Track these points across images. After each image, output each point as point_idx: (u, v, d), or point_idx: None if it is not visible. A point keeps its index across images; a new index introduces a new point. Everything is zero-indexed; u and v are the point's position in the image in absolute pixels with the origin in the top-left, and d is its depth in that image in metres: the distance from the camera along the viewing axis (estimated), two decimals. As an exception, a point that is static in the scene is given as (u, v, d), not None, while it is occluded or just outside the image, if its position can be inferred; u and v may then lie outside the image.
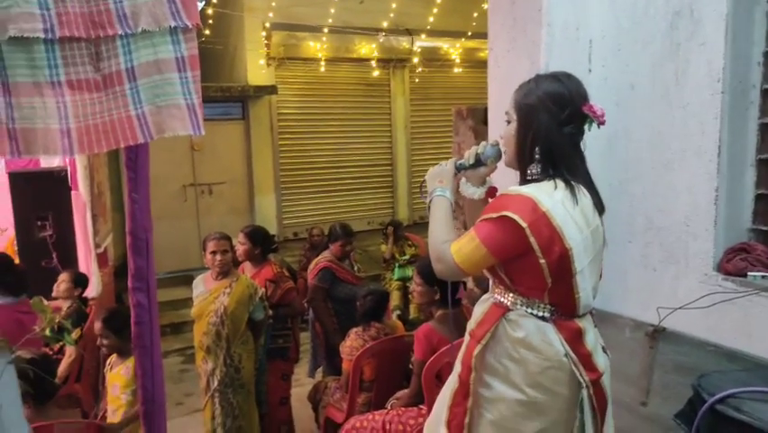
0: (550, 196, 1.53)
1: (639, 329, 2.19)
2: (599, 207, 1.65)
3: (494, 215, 1.55)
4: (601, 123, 1.61)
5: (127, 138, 1.56)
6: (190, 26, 1.60)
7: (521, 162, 1.66)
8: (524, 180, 1.66)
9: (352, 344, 3.41)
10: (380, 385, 3.32)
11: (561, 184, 1.56)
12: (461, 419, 1.68)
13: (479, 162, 1.75)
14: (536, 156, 1.60)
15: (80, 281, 3.96)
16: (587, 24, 2.31)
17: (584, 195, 1.59)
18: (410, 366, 3.06)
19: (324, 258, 4.24)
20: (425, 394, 2.76)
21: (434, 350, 2.87)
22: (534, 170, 1.62)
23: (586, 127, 1.62)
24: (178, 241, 7.09)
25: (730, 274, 1.94)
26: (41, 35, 1.48)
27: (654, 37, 2.10)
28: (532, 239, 1.49)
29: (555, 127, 1.58)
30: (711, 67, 1.93)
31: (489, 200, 1.76)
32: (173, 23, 1.57)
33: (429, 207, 1.75)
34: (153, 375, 2.11)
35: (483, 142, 1.77)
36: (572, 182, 1.57)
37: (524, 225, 1.49)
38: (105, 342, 3.02)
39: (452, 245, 1.58)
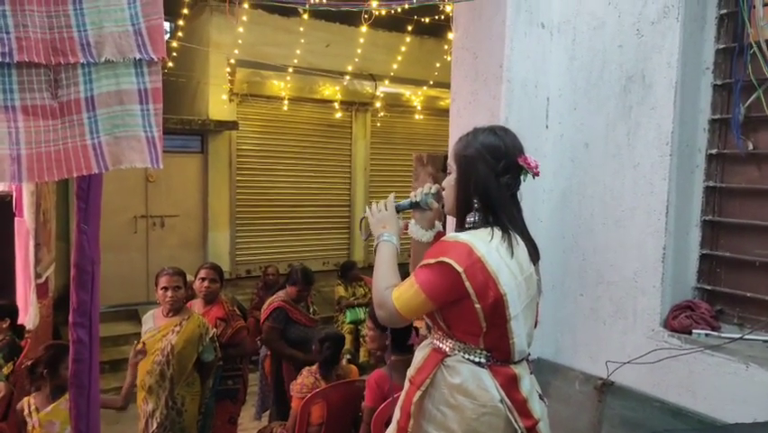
0: (485, 243, 1.58)
1: (588, 382, 2.21)
2: (535, 255, 1.70)
3: (432, 260, 1.58)
4: (535, 174, 1.67)
5: (81, 167, 1.51)
6: (156, 59, 1.59)
7: (460, 210, 1.72)
8: (461, 228, 1.71)
9: (304, 381, 3.33)
10: (328, 431, 3.23)
11: (497, 232, 1.61)
12: None
13: (416, 205, 1.79)
14: (475, 205, 1.66)
15: (7, 312, 3.70)
16: (545, 83, 2.40)
17: (518, 243, 1.64)
18: (360, 413, 3.00)
19: (278, 297, 4.16)
20: (374, 444, 2.70)
21: (386, 397, 2.82)
22: (472, 219, 1.67)
23: (522, 178, 1.69)
24: (124, 273, 6.86)
25: (676, 331, 1.99)
26: (-1, 58, 1.44)
27: (608, 99, 2.20)
28: (467, 283, 1.52)
29: (493, 178, 1.64)
30: (661, 130, 2.02)
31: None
32: (138, 56, 1.55)
33: (375, 252, 1.77)
34: (89, 416, 1.99)
35: (421, 188, 1.82)
36: (510, 230, 1.63)
37: (460, 269, 1.52)
38: (38, 381, 2.83)
39: (394, 291, 1.60)
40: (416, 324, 3.97)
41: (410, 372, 1.73)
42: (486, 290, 1.54)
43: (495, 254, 1.56)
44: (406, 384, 1.72)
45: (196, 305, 3.61)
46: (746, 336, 1.88)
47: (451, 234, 1.66)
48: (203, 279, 3.60)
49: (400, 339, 2.90)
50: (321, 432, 3.26)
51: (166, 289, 3.16)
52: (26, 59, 1.46)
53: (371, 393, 2.85)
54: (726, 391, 1.80)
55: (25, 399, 2.89)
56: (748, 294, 1.95)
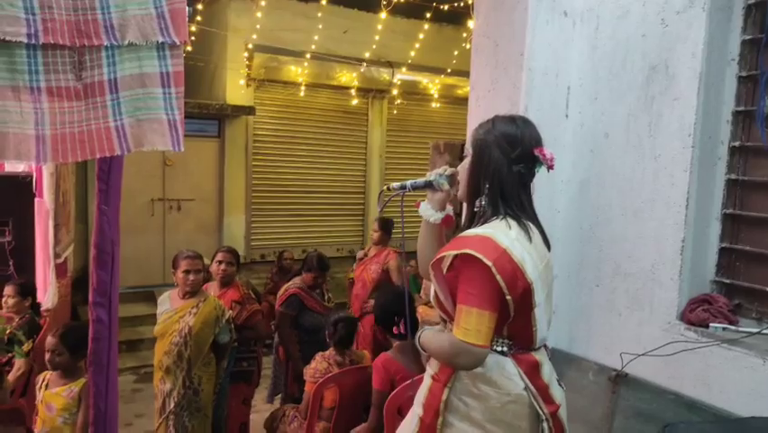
0: (506, 234, 1.58)
1: (602, 373, 2.21)
2: (547, 244, 1.71)
3: (456, 252, 1.58)
4: (550, 167, 1.68)
5: (104, 149, 1.54)
6: (178, 43, 1.60)
7: (470, 195, 1.73)
8: (470, 213, 1.74)
9: (317, 366, 3.36)
10: (340, 415, 3.26)
11: (513, 223, 1.62)
12: None
13: (430, 184, 1.79)
14: (485, 190, 1.66)
15: (27, 291, 3.76)
16: (566, 72, 2.38)
17: (534, 232, 1.65)
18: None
19: (293, 284, 4.20)
20: (387, 428, 2.73)
21: (392, 380, 2.87)
22: (481, 203, 1.68)
23: (536, 169, 1.69)
24: (141, 256, 6.94)
25: (692, 324, 1.98)
26: (24, 40, 1.46)
27: (630, 89, 2.17)
28: (498, 277, 1.52)
29: (506, 165, 1.65)
30: (683, 121, 2.00)
31: (445, 229, 1.84)
32: (161, 39, 1.57)
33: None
34: (107, 395, 2.04)
35: (437, 169, 1.82)
36: (523, 220, 1.64)
37: (489, 263, 1.52)
38: (56, 359, 2.88)
39: (456, 333, 1.54)
40: (423, 309, 3.99)
41: (432, 368, 1.73)
42: (515, 281, 1.54)
43: (517, 245, 1.57)
44: (429, 380, 1.73)
45: (212, 288, 3.65)
46: (765, 331, 1.86)
47: (469, 231, 1.66)
48: (219, 262, 3.64)
49: (388, 326, 2.97)
50: (333, 415, 3.30)
51: (188, 272, 3.19)
52: (51, 41, 1.48)
53: (378, 376, 2.90)
54: (742, 385, 1.79)
55: (44, 373, 2.95)
56: (767, 288, 1.93)
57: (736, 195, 2.03)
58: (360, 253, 5.49)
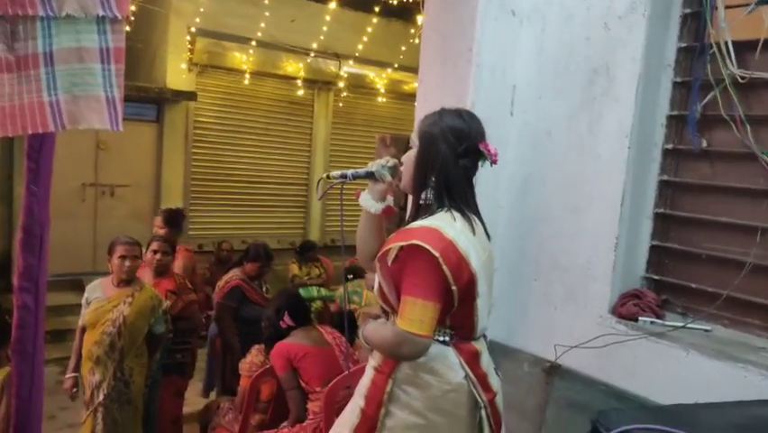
0: (451, 226, 1.61)
1: (537, 365, 2.28)
2: (488, 236, 1.76)
3: (402, 243, 1.60)
4: (494, 162, 1.72)
5: (36, 125, 1.45)
6: (120, 17, 1.53)
7: (416, 187, 1.75)
8: (416, 205, 1.75)
9: (253, 360, 3.32)
10: (276, 407, 3.23)
11: (457, 215, 1.65)
12: None
13: (371, 175, 1.79)
14: (431, 183, 1.69)
15: None
16: (513, 70, 2.43)
17: (477, 224, 1.70)
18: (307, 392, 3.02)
19: (235, 276, 4.12)
20: (324, 423, 2.73)
21: (290, 360, 3.00)
22: (426, 196, 1.71)
23: (480, 164, 1.74)
24: (70, 243, 6.62)
25: (623, 318, 2.07)
26: (-51, 4, 1.36)
27: (573, 89, 2.24)
28: (444, 267, 1.54)
29: (452, 158, 1.67)
30: (622, 123, 2.07)
31: (385, 220, 1.85)
32: (101, 12, 1.50)
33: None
34: (32, 385, 1.94)
35: (379, 160, 1.82)
36: (467, 213, 1.67)
37: (436, 254, 1.54)
38: None
39: (400, 323, 1.55)
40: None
41: (375, 360, 1.74)
42: (460, 271, 1.57)
43: (462, 237, 1.60)
44: (371, 372, 1.73)
45: (146, 276, 3.52)
46: (689, 325, 1.96)
47: (415, 223, 1.68)
48: (155, 251, 3.53)
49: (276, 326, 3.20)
50: (269, 409, 3.26)
51: (124, 258, 3.08)
52: (-20, 7, 1.39)
53: (278, 363, 3.02)
54: (667, 376, 1.88)
55: None
56: (693, 285, 2.04)
57: (668, 195, 2.14)
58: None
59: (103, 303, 3.06)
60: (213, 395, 4.26)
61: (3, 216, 6.01)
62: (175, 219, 4.10)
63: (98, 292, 3.14)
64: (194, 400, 4.46)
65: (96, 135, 6.82)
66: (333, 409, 2.63)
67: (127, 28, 5.61)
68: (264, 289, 4.42)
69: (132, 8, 6.62)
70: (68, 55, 1.48)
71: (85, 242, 6.87)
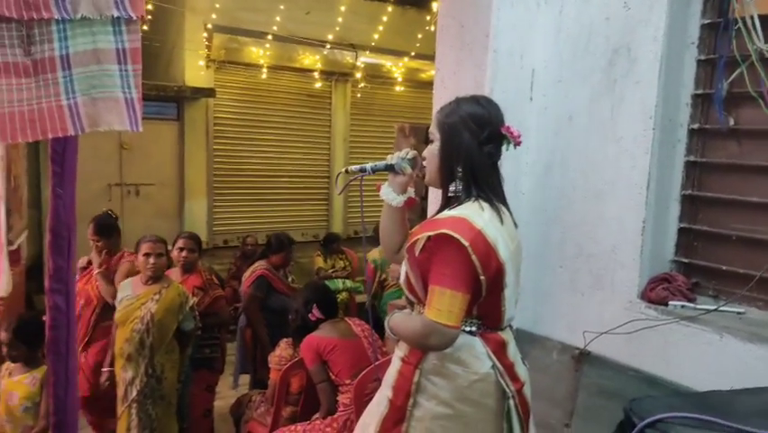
0: (480, 216, 1.59)
1: (566, 352, 2.25)
2: (515, 225, 1.73)
3: (430, 233, 1.58)
4: (517, 143, 1.69)
5: (56, 129, 1.47)
6: (134, 18, 1.53)
7: (443, 179, 1.72)
8: (445, 197, 1.73)
9: (282, 353, 3.34)
10: (307, 399, 3.26)
11: (485, 205, 1.63)
12: None
13: (391, 167, 1.78)
14: (458, 174, 1.66)
15: None
16: (531, 54, 2.39)
17: (505, 213, 1.67)
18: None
19: (260, 266, 4.17)
20: (355, 414, 2.74)
21: (320, 353, 2.99)
22: (455, 188, 1.68)
23: (504, 148, 1.70)
24: (98, 242, 6.74)
25: (653, 302, 2.03)
26: (-33, 12, 1.37)
27: (593, 72, 2.19)
28: (474, 257, 1.53)
29: (476, 146, 1.65)
30: (644, 104, 2.03)
31: (407, 212, 1.84)
32: (116, 13, 1.50)
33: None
34: (67, 384, 1.98)
35: (398, 152, 1.80)
36: (494, 202, 1.65)
37: (466, 243, 1.52)
38: (14, 352, 2.81)
39: (428, 313, 1.54)
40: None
41: (402, 351, 1.73)
42: (489, 261, 1.55)
43: (491, 226, 1.58)
44: (398, 363, 1.72)
45: (174, 274, 3.57)
46: (721, 308, 1.92)
47: (442, 213, 1.66)
48: (181, 248, 3.57)
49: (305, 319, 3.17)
50: (300, 401, 3.29)
51: (148, 255, 3.12)
52: (-3, 14, 1.40)
53: (307, 357, 3.02)
54: (700, 361, 1.85)
55: (6, 362, 2.89)
56: (724, 267, 1.99)
57: (695, 176, 2.08)
58: (82, 261, 3.76)
59: (132, 301, 3.11)
60: (244, 388, 4.31)
61: (33, 220, 6.12)
62: (106, 227, 3.66)
63: (128, 290, 3.19)
64: (225, 393, 4.53)
65: (120, 136, 6.90)
66: (363, 400, 2.64)
67: (144, 27, 5.65)
68: (290, 279, 4.46)
69: (149, 7, 6.67)
70: (85, 57, 1.49)
71: (113, 241, 6.98)
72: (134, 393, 3.04)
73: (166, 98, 7.15)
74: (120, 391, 3.12)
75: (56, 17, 1.44)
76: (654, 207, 2.05)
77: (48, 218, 1.87)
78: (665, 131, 2.04)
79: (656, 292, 2.02)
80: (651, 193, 2.04)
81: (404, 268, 1.76)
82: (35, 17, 1.43)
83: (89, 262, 3.69)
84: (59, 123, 1.47)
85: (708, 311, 1.92)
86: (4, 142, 1.47)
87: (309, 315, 3.16)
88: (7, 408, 2.79)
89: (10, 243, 4.60)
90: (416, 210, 2.86)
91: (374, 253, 5.24)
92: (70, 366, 1.95)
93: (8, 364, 2.89)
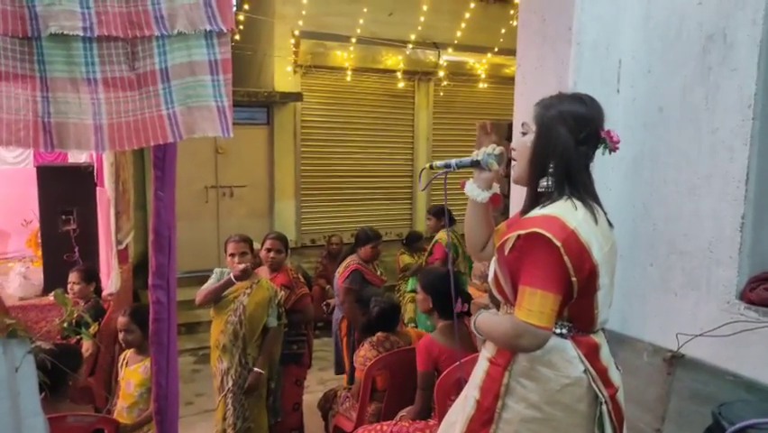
0: (573, 215, 1.54)
1: (657, 354, 2.16)
2: (610, 225, 1.67)
3: (521, 232, 1.54)
4: (614, 149, 1.64)
5: (157, 137, 1.59)
6: (225, 31, 1.63)
7: (532, 174, 1.66)
8: (533, 194, 1.67)
9: (366, 354, 3.40)
10: (391, 396, 3.31)
11: (578, 203, 1.57)
12: None
13: (477, 163, 1.76)
14: (550, 170, 1.61)
15: (90, 276, 3.96)
16: (617, 44, 2.31)
17: (600, 213, 1.61)
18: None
19: (353, 261, 4.29)
20: (437, 410, 2.76)
21: (435, 361, 2.92)
22: (545, 184, 1.62)
23: (601, 151, 1.65)
24: (197, 241, 7.16)
25: (753, 303, 1.90)
26: (80, 33, 1.51)
27: (686, 60, 2.09)
28: (566, 258, 1.49)
29: (573, 144, 1.60)
30: (742, 92, 1.91)
31: (492, 208, 1.82)
32: (208, 27, 1.60)
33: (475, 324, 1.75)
34: (168, 373, 2.12)
35: (484, 148, 1.78)
36: (588, 201, 1.59)
37: (558, 243, 1.48)
38: (128, 337, 3.06)
39: (518, 314, 1.51)
40: (471, 290, 3.98)
41: (489, 352, 1.71)
42: (582, 263, 1.51)
43: (585, 226, 1.53)
44: (485, 364, 1.70)
45: (262, 272, 3.74)
46: (832, 310, 1.78)
47: (533, 211, 1.62)
48: (268, 249, 3.74)
49: (444, 305, 2.94)
50: (384, 397, 3.35)
51: (233, 255, 3.29)
52: (105, 33, 1.53)
53: (421, 358, 2.95)
54: (806, 367, 1.72)
55: (124, 352, 3.15)
56: (835, 266, 1.84)
57: (800, 168, 1.94)
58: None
59: (226, 294, 3.28)
60: (330, 382, 4.44)
61: (140, 221, 6.60)
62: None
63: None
64: (314, 387, 4.69)
65: (215, 141, 7.30)
66: (446, 400, 2.65)
67: (237, 37, 5.93)
68: (379, 272, 4.56)
69: (240, 17, 7.00)
70: (182, 70, 1.61)
71: (210, 240, 7.39)
72: (230, 384, 3.21)
73: (257, 104, 7.49)
74: (216, 382, 3.30)
75: (156, 34, 1.57)
76: (754, 201, 1.93)
77: (151, 219, 2.02)
78: (766, 120, 1.91)
79: (757, 293, 1.90)
80: (750, 186, 1.91)
81: (492, 267, 1.73)
82: (138, 35, 1.56)
83: None
84: (160, 131, 1.59)
85: (817, 313, 1.78)
86: (113, 149, 1.61)
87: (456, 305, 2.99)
88: (125, 394, 3.04)
89: (119, 243, 4.99)
90: (500, 208, 2.83)
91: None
92: (171, 356, 2.09)
93: (125, 354, 3.15)
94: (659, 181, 2.20)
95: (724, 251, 1.98)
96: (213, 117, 1.63)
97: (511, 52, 2.61)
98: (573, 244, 1.50)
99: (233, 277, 3.24)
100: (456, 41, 7.82)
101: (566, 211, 1.54)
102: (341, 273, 4.32)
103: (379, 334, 3.44)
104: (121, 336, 3.10)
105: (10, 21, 1.46)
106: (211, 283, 3.30)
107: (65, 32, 1.50)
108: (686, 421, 1.99)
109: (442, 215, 5.19)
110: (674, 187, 2.14)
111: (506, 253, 1.61)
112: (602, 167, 2.29)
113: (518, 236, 1.56)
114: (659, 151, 2.20)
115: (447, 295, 2.92)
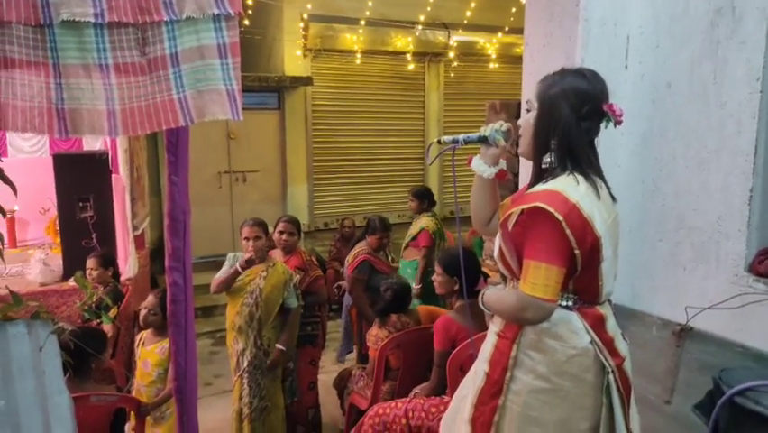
0: (575, 189, 1.57)
1: (666, 328, 2.18)
2: (613, 199, 1.69)
3: (524, 206, 1.57)
4: (618, 123, 1.64)
5: (169, 121, 1.62)
6: (233, 14, 1.66)
7: (536, 151, 1.69)
8: (537, 169, 1.70)
9: (378, 333, 3.45)
10: (405, 374, 3.36)
11: (581, 178, 1.60)
12: (488, 417, 1.71)
13: (484, 139, 1.78)
14: (552, 146, 1.63)
15: (108, 261, 4.03)
16: (624, 20, 2.30)
17: (602, 187, 1.63)
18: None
19: (362, 250, 4.33)
20: (450, 385, 2.80)
21: (453, 340, 2.94)
22: (548, 159, 1.65)
23: (603, 125, 1.66)
24: (211, 226, 7.24)
25: (761, 276, 1.92)
26: (92, 20, 1.55)
27: (694, 34, 2.08)
28: (568, 231, 1.52)
29: (574, 120, 1.61)
30: (751, 66, 1.90)
31: (498, 182, 1.84)
32: (216, 11, 1.63)
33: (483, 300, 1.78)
34: (186, 352, 2.18)
35: (492, 124, 1.80)
36: (591, 175, 1.61)
37: (560, 217, 1.51)
38: (150, 318, 3.14)
39: (523, 288, 1.55)
40: (486, 270, 4.00)
41: (497, 326, 1.74)
42: (584, 235, 1.54)
43: (587, 199, 1.56)
44: (494, 337, 1.74)
45: (276, 255, 3.79)
46: (840, 281, 1.79)
47: (536, 186, 1.65)
48: (281, 232, 3.77)
49: (469, 285, 2.95)
50: (398, 376, 3.40)
51: (247, 239, 3.34)
52: (116, 19, 1.57)
53: (439, 337, 2.98)
54: (814, 337, 1.73)
55: (141, 333, 3.23)
56: (844, 237, 1.84)
57: (809, 140, 1.93)
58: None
59: (241, 277, 3.34)
60: (349, 362, 4.51)
61: (156, 207, 6.69)
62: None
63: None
64: (329, 367, 4.76)
65: (227, 126, 7.34)
66: (458, 374, 2.69)
67: (246, 22, 5.91)
68: (390, 258, 4.59)
69: (249, 2, 7.00)
70: (191, 54, 1.64)
71: (224, 225, 7.47)
72: (245, 364, 3.28)
73: (267, 88, 7.50)
74: (232, 362, 3.37)
75: (165, 19, 1.60)
76: (762, 174, 1.93)
77: (165, 204, 2.06)
78: (775, 93, 1.90)
79: (766, 265, 1.90)
80: (759, 160, 1.92)
81: (497, 242, 1.76)
82: (148, 20, 1.59)
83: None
84: (172, 115, 1.62)
85: (826, 284, 1.79)
86: (125, 134, 1.65)
87: (478, 282, 2.97)
88: (142, 373, 3.13)
89: (135, 228, 5.07)
90: (508, 186, 2.84)
91: (427, 222, 5.15)
92: (189, 336, 2.15)
93: (142, 335, 3.23)
94: (668, 157, 2.20)
95: (732, 224, 1.99)
96: (223, 101, 1.66)
97: (521, 31, 2.60)
98: (575, 218, 1.52)
99: (238, 267, 3.28)
100: (466, 21, 7.76)
101: (568, 186, 1.57)
102: (350, 263, 4.36)
103: (392, 316, 3.48)
104: (143, 313, 3.17)
105: (23, 9, 1.49)
106: (225, 270, 3.36)
107: (76, 19, 1.53)
108: (695, 392, 2.00)
109: (424, 197, 5.17)
110: (683, 162, 2.14)
111: (509, 228, 1.64)
112: (611, 143, 2.30)
113: (521, 211, 1.59)
114: (667, 126, 2.20)
115: (474, 276, 2.98)
